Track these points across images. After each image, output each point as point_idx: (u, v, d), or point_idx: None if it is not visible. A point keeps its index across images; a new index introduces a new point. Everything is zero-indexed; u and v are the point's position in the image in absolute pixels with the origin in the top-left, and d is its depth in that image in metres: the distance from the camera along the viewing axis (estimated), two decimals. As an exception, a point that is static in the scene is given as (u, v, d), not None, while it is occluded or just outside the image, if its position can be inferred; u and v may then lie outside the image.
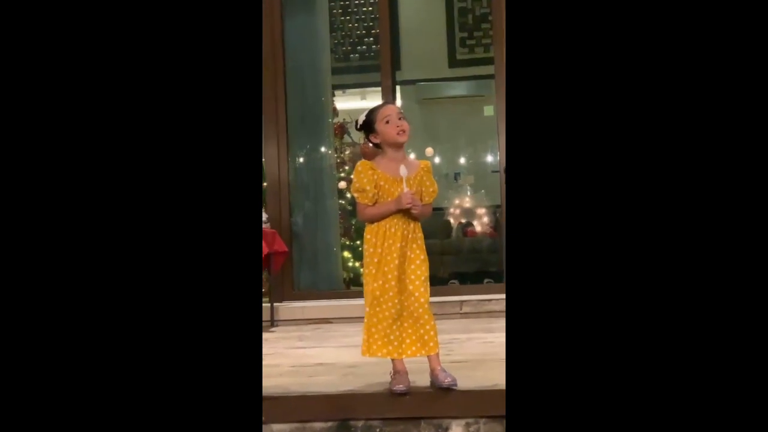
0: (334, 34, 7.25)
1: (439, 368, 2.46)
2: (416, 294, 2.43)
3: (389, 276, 2.41)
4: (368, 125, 2.50)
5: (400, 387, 2.44)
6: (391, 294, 2.41)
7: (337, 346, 3.58)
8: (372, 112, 2.50)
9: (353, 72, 7.56)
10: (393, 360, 2.49)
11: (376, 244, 2.46)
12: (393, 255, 2.42)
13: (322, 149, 5.53)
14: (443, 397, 2.44)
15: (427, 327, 2.44)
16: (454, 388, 2.41)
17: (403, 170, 2.42)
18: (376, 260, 2.44)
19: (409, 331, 2.43)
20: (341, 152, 5.96)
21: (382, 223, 2.45)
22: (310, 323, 4.56)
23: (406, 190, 2.40)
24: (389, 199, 2.43)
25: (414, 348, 2.43)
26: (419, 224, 2.48)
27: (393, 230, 2.43)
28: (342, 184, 5.70)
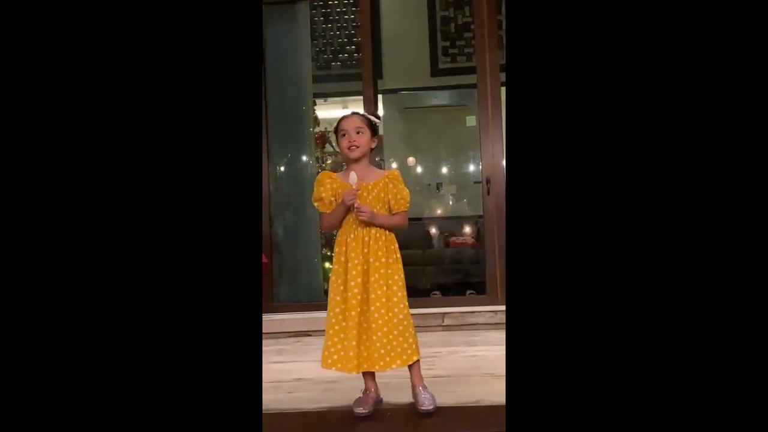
0: (315, 42, 7.20)
1: (420, 387, 2.41)
2: (379, 303, 2.37)
3: (352, 284, 2.38)
4: (335, 134, 2.53)
5: (360, 410, 2.40)
6: (354, 302, 2.37)
7: (316, 361, 3.49)
8: (338, 122, 2.51)
9: (334, 80, 7.51)
10: (364, 376, 2.45)
11: (340, 253, 2.44)
12: (355, 263, 2.39)
13: (303, 159, 5.47)
14: (424, 413, 2.39)
15: (390, 338, 2.37)
16: (432, 411, 2.36)
17: (352, 177, 2.41)
18: (341, 270, 2.42)
19: (377, 344, 2.37)
20: (323, 162, 5.90)
21: (344, 233, 2.44)
22: (289, 336, 4.49)
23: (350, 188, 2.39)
24: None
25: (383, 362, 2.38)
26: (384, 231, 2.44)
27: (353, 236, 2.42)
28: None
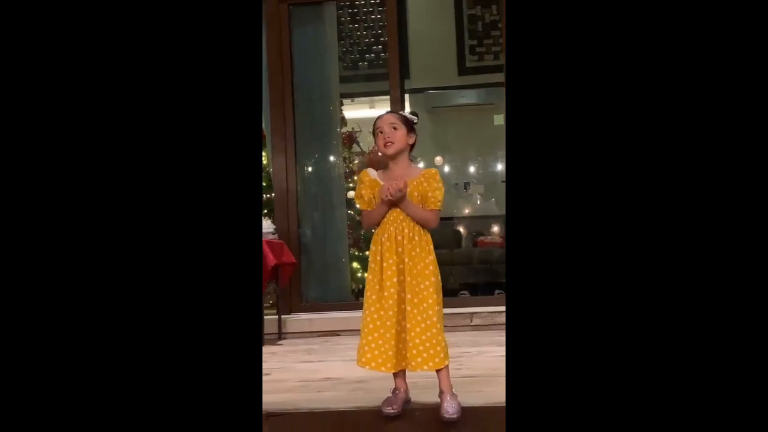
0: (342, 42, 7.22)
1: (448, 395, 2.39)
2: (416, 301, 2.36)
3: (388, 283, 2.37)
4: (373, 133, 2.54)
5: (388, 410, 2.40)
6: (391, 302, 2.36)
7: (345, 360, 3.52)
8: (375, 121, 2.51)
9: (361, 80, 7.52)
10: (394, 375, 2.44)
11: (376, 252, 2.44)
12: (390, 262, 2.39)
13: (331, 159, 5.48)
14: (446, 421, 2.37)
15: (424, 338, 2.35)
16: (456, 420, 2.34)
17: (372, 172, 2.47)
18: (377, 269, 2.41)
19: (410, 344, 2.35)
20: (350, 162, 5.91)
21: (380, 232, 2.45)
22: (318, 336, 4.51)
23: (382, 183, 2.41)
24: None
25: (414, 362, 2.36)
26: (418, 230, 2.43)
27: (386, 236, 2.41)
28: (351, 194, 5.66)
